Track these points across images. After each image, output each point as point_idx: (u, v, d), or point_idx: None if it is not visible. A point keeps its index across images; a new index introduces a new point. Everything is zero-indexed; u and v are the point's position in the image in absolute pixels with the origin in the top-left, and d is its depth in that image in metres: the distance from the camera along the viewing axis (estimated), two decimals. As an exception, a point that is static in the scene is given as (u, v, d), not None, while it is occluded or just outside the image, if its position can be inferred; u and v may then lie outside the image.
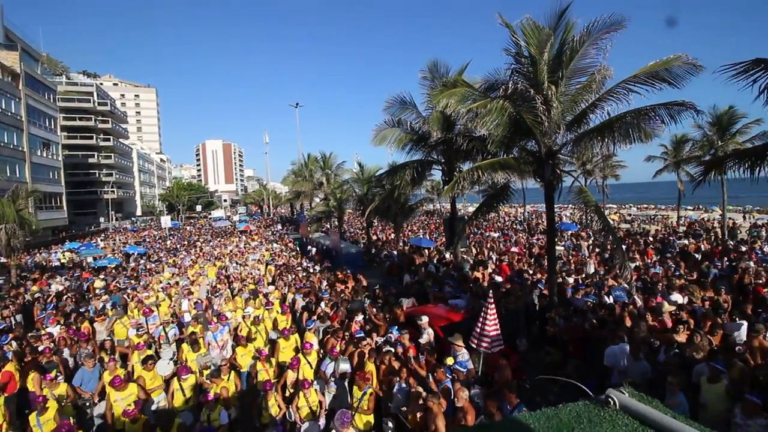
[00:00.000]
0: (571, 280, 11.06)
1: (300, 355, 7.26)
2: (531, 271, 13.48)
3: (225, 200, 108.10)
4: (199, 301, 11.37)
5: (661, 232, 26.35)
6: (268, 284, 13.74)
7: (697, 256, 15.29)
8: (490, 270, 13.96)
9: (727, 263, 13.45)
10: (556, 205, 9.60)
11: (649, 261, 14.68)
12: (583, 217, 27.84)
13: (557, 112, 8.77)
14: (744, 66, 5.69)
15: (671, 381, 5.31)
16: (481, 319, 7.14)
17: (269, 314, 9.59)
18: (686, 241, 19.38)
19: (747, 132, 23.86)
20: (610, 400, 1.64)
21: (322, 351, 7.66)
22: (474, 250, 18.03)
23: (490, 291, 7.24)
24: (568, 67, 8.99)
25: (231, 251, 23.98)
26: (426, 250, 18.93)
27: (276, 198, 70.79)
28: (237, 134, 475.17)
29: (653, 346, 6.61)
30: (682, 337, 7.07)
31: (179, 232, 45.45)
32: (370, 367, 6.35)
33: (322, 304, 10.07)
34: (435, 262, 15.64)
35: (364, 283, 12.83)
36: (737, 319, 7.70)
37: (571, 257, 16.10)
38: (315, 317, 9.12)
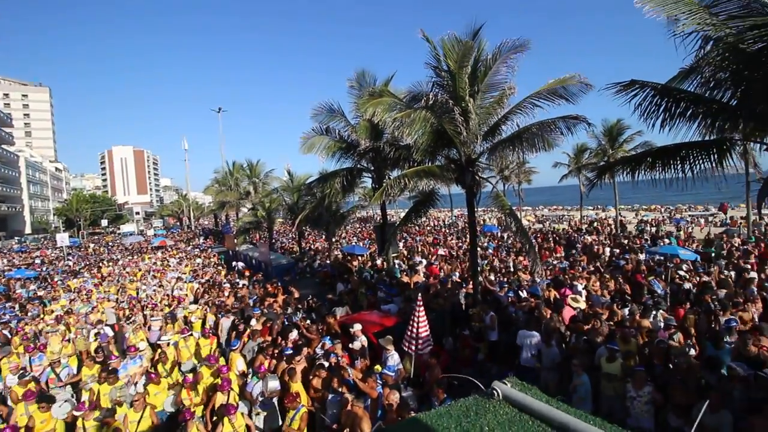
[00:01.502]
0: (492, 277, 11.88)
1: (231, 375, 6.80)
2: (457, 273, 14.25)
3: (137, 213, 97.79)
4: (102, 333, 10.07)
5: (567, 230, 29.44)
6: (191, 303, 12.71)
7: (596, 250, 17.42)
8: (421, 273, 14.47)
9: (620, 256, 15.52)
10: (481, 209, 10.26)
11: (559, 256, 16.35)
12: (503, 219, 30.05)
13: (475, 124, 9.44)
14: (622, 85, 6.64)
15: (575, 363, 5.96)
16: (411, 322, 7.36)
17: (185, 342, 8.63)
18: (588, 237, 21.97)
19: (633, 140, 28.05)
20: (494, 392, 1.79)
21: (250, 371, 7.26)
22: (406, 255, 18.54)
23: (419, 294, 7.48)
24: (483, 82, 9.76)
25: (144, 270, 21.74)
26: (359, 257, 19.01)
27: (198, 209, 65.83)
28: (151, 140, 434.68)
29: (562, 333, 7.34)
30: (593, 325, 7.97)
31: (80, 250, 40.09)
32: (296, 387, 6.17)
33: (253, 321, 9.57)
34: (368, 268, 15.77)
35: (296, 295, 12.48)
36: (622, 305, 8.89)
37: (492, 257, 17.29)
38: (245, 336, 8.63)
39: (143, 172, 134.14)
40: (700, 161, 6.33)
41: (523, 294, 9.78)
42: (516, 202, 41.90)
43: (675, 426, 5.49)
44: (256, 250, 22.21)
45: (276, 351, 7.78)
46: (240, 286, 14.62)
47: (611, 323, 8.20)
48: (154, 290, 16.02)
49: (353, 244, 25.59)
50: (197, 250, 29.71)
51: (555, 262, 15.20)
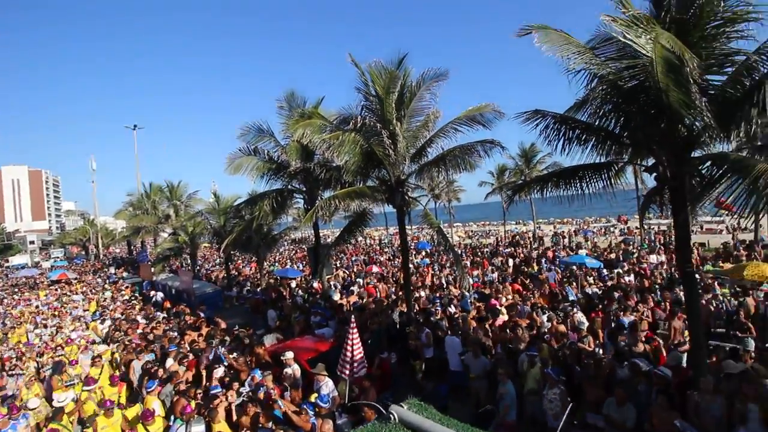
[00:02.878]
0: (423, 294, 12.20)
1: (139, 426, 6.04)
2: (393, 291, 14.41)
3: (32, 242, 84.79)
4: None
5: (492, 244, 31.43)
6: (97, 344, 11.19)
7: (517, 261, 18.80)
8: (356, 293, 14.38)
9: (539, 267, 16.92)
10: (415, 226, 10.53)
11: (487, 270, 17.34)
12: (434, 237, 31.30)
13: (402, 146, 9.82)
14: (528, 114, 7.40)
15: (500, 372, 6.28)
16: (345, 345, 7.23)
17: (90, 394, 7.42)
18: (510, 250, 23.65)
19: (545, 162, 31.21)
20: (390, 415, 1.83)
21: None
22: (341, 276, 18.34)
23: (352, 316, 7.41)
24: (409, 107, 10.25)
25: (38, 310, 18.79)
26: (294, 281, 18.37)
27: (108, 236, 58.75)
28: (52, 160, 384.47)
29: (485, 345, 7.73)
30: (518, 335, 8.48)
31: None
32: (219, 428, 5.72)
33: (170, 360, 8.68)
34: (302, 292, 15.29)
35: (223, 326, 11.63)
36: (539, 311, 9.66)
37: (425, 273, 17.79)
38: (159, 378, 7.77)
39: (40, 195, 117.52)
40: (595, 180, 7.25)
41: (453, 309, 10.17)
42: (447, 219, 43.95)
43: (591, 422, 6.00)
44: (177, 279, 20.40)
45: (199, 391, 7.12)
46: (158, 320, 13.25)
47: (533, 332, 8.84)
48: (51, 332, 13.87)
49: (287, 267, 24.71)
50: (106, 282, 26.44)
51: (485, 274, 16.07)
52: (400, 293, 13.00)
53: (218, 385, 7.07)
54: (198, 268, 27.59)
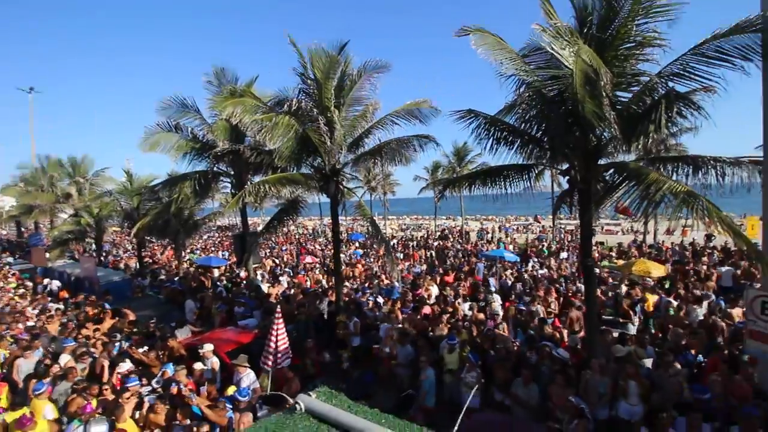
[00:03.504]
0: (355, 284, 12.23)
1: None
2: (324, 281, 14.26)
3: None
4: None
5: (424, 237, 32.55)
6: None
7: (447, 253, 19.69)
8: (285, 283, 13.96)
9: (464, 259, 17.89)
10: (350, 218, 10.40)
11: (416, 261, 17.90)
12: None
13: (340, 134, 9.64)
14: (462, 113, 7.68)
15: (422, 359, 6.53)
16: (270, 336, 6.98)
17: None
18: (440, 243, 24.69)
19: (475, 161, 32.81)
20: (297, 405, 1.79)
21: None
22: (269, 265, 17.67)
23: (278, 306, 7.15)
24: (349, 95, 10.06)
25: None
26: (216, 270, 17.27)
27: (-9, 214, 50.07)
28: None
29: (410, 333, 7.98)
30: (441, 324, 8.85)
31: None
32: (125, 427, 5.21)
33: (64, 356, 7.66)
34: (226, 281, 14.44)
35: (131, 318, 10.54)
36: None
37: (356, 264, 17.87)
38: (51, 376, 6.81)
39: None
40: (517, 180, 7.79)
41: (380, 299, 10.34)
42: (382, 212, 44.53)
43: (498, 399, 6.51)
44: (78, 265, 18.04)
45: (106, 387, 6.40)
46: (51, 312, 11.60)
47: (454, 319, 9.32)
48: None
49: (211, 255, 23.18)
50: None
51: (414, 265, 16.57)
52: (331, 283, 12.90)
53: (136, 377, 6.42)
54: (105, 254, 24.69)
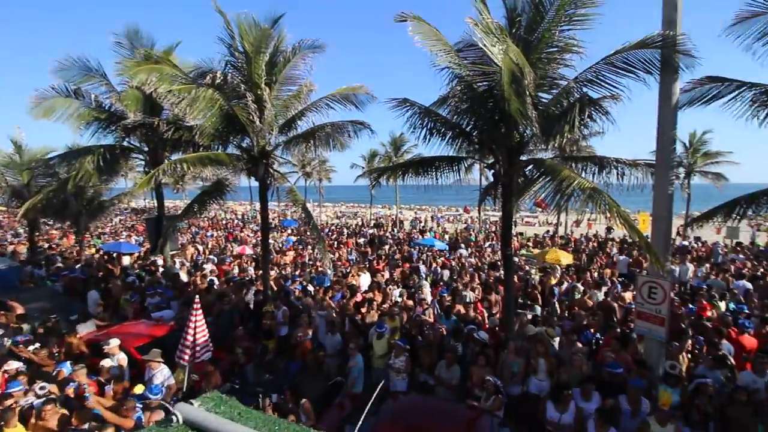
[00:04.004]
0: (285, 272, 11.84)
1: None
2: (252, 270, 13.60)
3: None
4: None
5: (359, 225, 32.62)
6: None
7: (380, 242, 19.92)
8: (209, 272, 13.05)
9: (397, 247, 18.24)
10: (284, 203, 9.83)
11: (349, 249, 17.84)
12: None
13: (270, 114, 9.08)
14: (397, 102, 7.68)
15: (351, 347, 6.54)
16: (187, 329, 6.46)
17: None
18: (374, 231, 24.90)
19: (412, 152, 33.41)
20: (173, 416, 1.59)
21: None
22: (191, 253, 16.42)
23: (196, 296, 6.64)
24: (281, 73, 9.51)
25: None
26: (127, 257, 15.60)
27: None
28: None
29: (336, 321, 7.97)
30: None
31: None
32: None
33: None
34: (139, 269, 13.10)
35: (19, 311, 9.10)
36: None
37: (288, 251, 17.33)
38: None
39: None
40: (448, 171, 8.04)
41: (310, 287, 10.14)
42: (317, 199, 43.70)
43: (423, 381, 6.77)
44: (-53, 250, 15.09)
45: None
46: None
47: (384, 306, 9.46)
48: None
49: (121, 240, 20.90)
50: None
51: (348, 253, 16.49)
52: (259, 271, 12.33)
53: (19, 381, 5.54)
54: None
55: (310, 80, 9.93)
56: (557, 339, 7.37)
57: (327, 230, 25.60)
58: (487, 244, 20.60)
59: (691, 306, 9.18)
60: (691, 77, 6.40)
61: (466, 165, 8.32)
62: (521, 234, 25.35)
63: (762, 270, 13.45)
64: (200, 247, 19.38)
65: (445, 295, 9.72)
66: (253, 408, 1.89)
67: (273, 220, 35.06)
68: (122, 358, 6.87)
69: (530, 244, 21.17)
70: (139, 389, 5.74)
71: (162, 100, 8.23)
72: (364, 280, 11.55)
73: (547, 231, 26.51)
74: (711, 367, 6.12)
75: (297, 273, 12.00)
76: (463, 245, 19.06)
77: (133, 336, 7.55)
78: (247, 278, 12.22)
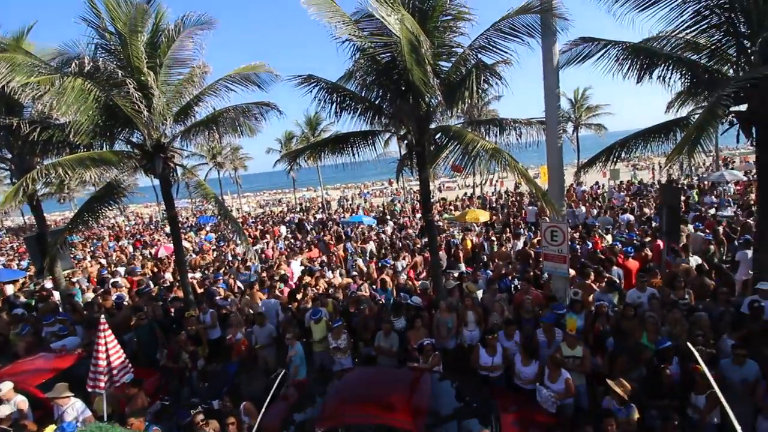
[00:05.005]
0: (198, 275, 11.11)
1: None
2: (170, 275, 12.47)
3: None
4: None
5: (283, 212, 31.60)
6: None
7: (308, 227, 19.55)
8: (122, 285, 11.66)
9: (325, 229, 18.06)
10: (198, 200, 8.91)
11: (276, 238, 17.24)
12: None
13: (161, 102, 8.13)
14: (302, 78, 7.36)
15: (288, 337, 6.45)
16: (95, 353, 5.76)
17: None
18: (301, 216, 24.34)
19: (329, 130, 32.66)
20: None
21: None
22: (92, 270, 14.53)
23: (101, 316, 5.92)
24: (167, 55, 8.49)
25: None
26: (11, 285, 13.29)
27: None
28: None
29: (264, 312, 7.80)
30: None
31: None
32: None
33: None
34: (26, 297, 11.25)
35: None
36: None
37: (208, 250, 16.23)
38: None
39: None
40: (363, 146, 8.02)
41: (240, 283, 9.66)
42: (235, 190, 41.11)
43: (365, 353, 6.95)
44: None
45: None
46: None
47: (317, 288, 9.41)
48: None
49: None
50: None
51: (276, 241, 15.92)
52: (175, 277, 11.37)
53: None
54: None
55: (203, 61, 9.02)
56: (480, 292, 7.99)
57: (250, 221, 24.36)
58: (417, 214, 21.35)
59: (588, 242, 10.57)
60: (568, 39, 7.08)
61: (382, 138, 8.37)
62: (444, 199, 26.69)
63: (639, 203, 15.90)
64: (104, 261, 17.23)
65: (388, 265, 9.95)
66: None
67: (187, 219, 32.36)
68: (21, 401, 5.94)
69: (452, 207, 22.39)
70: (50, 430, 5.06)
71: (19, 96, 6.85)
72: (296, 267, 11.30)
73: (465, 193, 28.25)
74: (605, 291, 7.15)
75: (222, 272, 11.29)
76: (389, 218, 19.52)
77: (31, 374, 6.57)
78: (165, 284, 11.21)
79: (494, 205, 20.26)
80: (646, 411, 4.69)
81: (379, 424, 4.67)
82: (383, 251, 12.56)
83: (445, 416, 4.91)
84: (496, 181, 35.50)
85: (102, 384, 5.63)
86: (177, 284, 10.10)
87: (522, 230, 13.21)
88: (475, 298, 7.35)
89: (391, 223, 18.57)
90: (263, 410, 3.72)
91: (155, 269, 14.02)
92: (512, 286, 8.41)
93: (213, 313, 8.33)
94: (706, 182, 19.51)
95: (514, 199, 21.42)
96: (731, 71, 6.32)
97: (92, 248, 21.00)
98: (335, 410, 5.04)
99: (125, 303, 9.22)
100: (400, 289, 8.34)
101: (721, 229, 10.01)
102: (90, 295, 11.13)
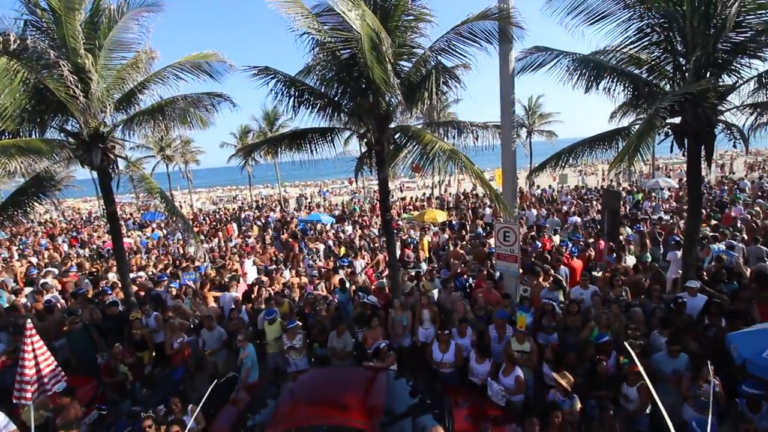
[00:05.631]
0: (143, 274, 10.46)
1: None
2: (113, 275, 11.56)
3: None
4: None
5: (237, 209, 30.42)
6: None
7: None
8: (54, 287, 10.61)
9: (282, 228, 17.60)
10: (143, 195, 8.15)
11: (230, 236, 16.57)
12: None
13: (100, 88, 7.50)
14: (258, 70, 7.08)
15: (239, 339, 6.20)
16: (21, 361, 5.22)
17: None
18: (256, 213, 23.56)
19: (288, 125, 31.75)
20: None
21: None
22: (19, 269, 13.17)
23: (28, 321, 5.37)
24: (108, 37, 7.85)
25: None
26: None
27: None
28: None
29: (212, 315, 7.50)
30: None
31: None
32: None
33: None
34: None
35: None
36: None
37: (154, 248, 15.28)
38: None
39: None
40: (322, 143, 7.88)
41: (190, 282, 9.16)
42: (185, 185, 38.98)
43: (321, 354, 6.84)
44: None
45: None
46: None
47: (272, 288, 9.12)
48: None
49: None
50: None
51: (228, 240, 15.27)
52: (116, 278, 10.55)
53: None
54: None
55: (149, 46, 8.45)
56: (436, 290, 8.12)
57: (201, 218, 23.22)
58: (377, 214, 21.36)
59: (537, 242, 11.09)
60: (524, 47, 7.37)
61: (341, 136, 8.25)
62: (403, 199, 26.94)
63: (582, 206, 16.94)
64: (34, 260, 15.65)
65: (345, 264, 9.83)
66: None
67: (131, 215, 30.29)
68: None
69: (411, 207, 22.66)
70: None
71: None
72: (249, 267, 10.89)
73: (424, 193, 28.72)
74: (552, 289, 7.53)
75: (168, 272, 10.63)
76: (347, 218, 19.39)
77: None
78: (108, 285, 10.38)
79: (452, 205, 20.74)
80: (586, 401, 4.98)
81: (333, 425, 4.60)
82: (343, 251, 12.43)
83: (400, 414, 4.94)
84: (456, 182, 36.41)
85: (29, 395, 5.11)
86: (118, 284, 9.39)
87: (481, 231, 13.64)
88: (431, 296, 7.45)
89: (350, 222, 18.46)
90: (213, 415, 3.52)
91: (95, 269, 12.94)
92: (467, 284, 8.63)
93: (157, 316, 7.82)
94: (644, 189, 21.19)
95: (473, 200, 22.07)
96: (668, 86, 6.87)
97: (21, 246, 19.03)
98: (288, 413, 4.90)
99: (58, 305, 8.43)
100: (358, 288, 8.28)
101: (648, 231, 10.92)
102: (23, 299, 10.03)
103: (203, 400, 2.78)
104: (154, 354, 7.34)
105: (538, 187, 24.08)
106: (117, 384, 6.65)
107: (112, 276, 11.51)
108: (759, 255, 8.41)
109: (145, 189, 7.48)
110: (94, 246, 18.29)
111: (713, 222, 11.97)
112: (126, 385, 6.64)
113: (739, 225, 10.85)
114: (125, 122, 7.81)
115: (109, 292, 9.75)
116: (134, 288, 8.95)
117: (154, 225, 22.01)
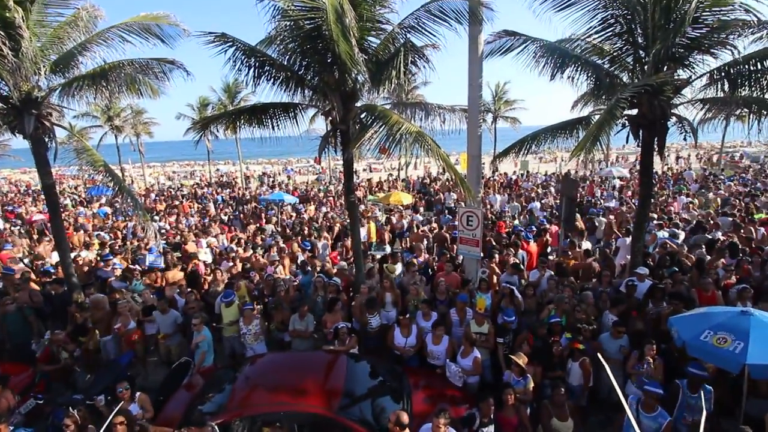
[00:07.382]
0: (92, 255, 9.76)
1: None
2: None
3: None
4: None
5: (195, 186, 28.98)
6: None
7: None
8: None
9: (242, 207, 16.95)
10: (86, 167, 7.38)
11: (186, 214, 15.76)
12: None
13: (32, 46, 6.66)
14: (214, 37, 6.55)
15: (194, 323, 5.93)
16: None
17: None
18: (217, 189, 22.55)
19: (250, 99, 30.19)
20: None
21: None
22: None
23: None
24: (42, -11, 6.95)
25: None
26: None
27: None
28: None
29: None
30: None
31: None
32: None
33: None
34: None
35: None
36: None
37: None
38: None
39: None
40: (284, 119, 7.51)
41: (149, 261, 8.60)
42: (137, 159, 36.58)
43: (279, 338, 6.71)
44: None
45: None
46: None
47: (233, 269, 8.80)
48: None
49: None
50: None
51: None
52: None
53: None
54: None
55: (91, 3, 7.60)
56: (398, 271, 8.14)
57: (154, 195, 21.90)
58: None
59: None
60: (493, 31, 7.28)
61: (305, 113, 7.90)
62: (369, 180, 26.73)
63: (543, 193, 17.55)
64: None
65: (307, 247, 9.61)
66: None
67: (76, 188, 28.11)
68: None
69: (376, 188, 22.54)
70: None
71: None
72: (204, 248, 10.41)
73: (390, 174, 28.65)
74: (511, 273, 7.75)
75: (114, 250, 9.95)
76: (310, 198, 19.00)
77: None
78: (47, 265, 9.59)
79: (417, 188, 20.82)
80: (540, 381, 5.22)
81: (290, 411, 4.52)
82: (305, 231, 12.15)
83: (360, 396, 4.94)
84: (422, 165, 36.55)
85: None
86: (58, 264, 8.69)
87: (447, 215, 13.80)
88: (393, 279, 7.45)
89: (314, 203, 18.09)
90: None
91: (33, 246, 11.92)
92: (428, 269, 8.71)
93: (104, 299, 7.31)
94: (598, 177, 22.25)
95: (440, 183, 22.23)
96: (627, 78, 7.07)
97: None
98: (245, 398, 4.77)
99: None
100: (320, 271, 8.14)
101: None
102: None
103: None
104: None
105: (506, 174, 24.61)
106: (59, 372, 6.22)
107: (56, 255, 10.64)
108: (699, 243, 9.06)
109: (87, 161, 6.84)
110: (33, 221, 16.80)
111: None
112: (70, 373, 6.23)
113: (680, 213, 11.66)
114: (63, 87, 7.01)
115: (52, 271, 9.07)
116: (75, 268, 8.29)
117: (103, 200, 20.53)
